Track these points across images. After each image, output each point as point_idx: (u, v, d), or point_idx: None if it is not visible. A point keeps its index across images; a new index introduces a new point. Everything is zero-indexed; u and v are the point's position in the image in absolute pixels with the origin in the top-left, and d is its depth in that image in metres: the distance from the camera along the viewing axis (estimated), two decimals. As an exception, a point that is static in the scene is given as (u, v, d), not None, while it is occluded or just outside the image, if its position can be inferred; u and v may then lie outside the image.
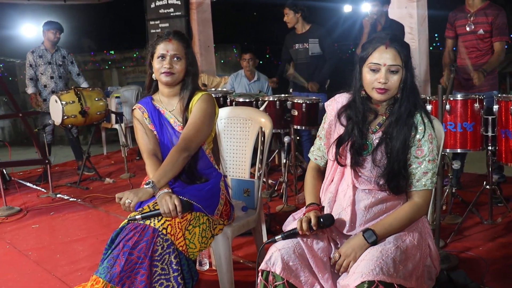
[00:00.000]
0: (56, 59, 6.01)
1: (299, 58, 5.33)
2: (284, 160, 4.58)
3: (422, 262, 1.95)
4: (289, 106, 4.55)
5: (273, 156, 5.82)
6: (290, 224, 2.13)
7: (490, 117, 3.56)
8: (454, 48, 4.51)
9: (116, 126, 6.83)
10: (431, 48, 5.36)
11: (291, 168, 4.76)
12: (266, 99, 4.73)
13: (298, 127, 4.54)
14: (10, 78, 13.79)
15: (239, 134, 3.07)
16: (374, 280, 1.73)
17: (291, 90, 5.50)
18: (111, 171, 6.44)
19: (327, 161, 2.21)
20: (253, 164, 3.02)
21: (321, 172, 2.27)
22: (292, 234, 1.96)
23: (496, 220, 3.70)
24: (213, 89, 6.32)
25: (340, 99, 2.17)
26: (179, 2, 7.21)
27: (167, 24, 7.33)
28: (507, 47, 4.29)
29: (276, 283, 1.85)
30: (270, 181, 5.10)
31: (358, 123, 2.05)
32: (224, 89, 5.85)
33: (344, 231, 2.02)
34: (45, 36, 5.99)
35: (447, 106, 3.60)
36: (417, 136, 1.99)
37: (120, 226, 2.23)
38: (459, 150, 3.73)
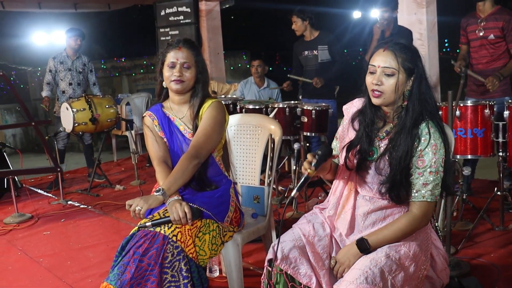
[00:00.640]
0: (76, 66, 6.04)
1: (309, 65, 5.34)
2: (294, 166, 4.58)
3: (419, 274, 1.95)
4: (298, 113, 4.57)
5: (282, 162, 5.80)
6: (302, 221, 2.18)
7: (500, 123, 3.55)
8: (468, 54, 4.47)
9: (127, 133, 6.88)
10: (440, 54, 5.33)
11: (301, 174, 4.74)
12: (275, 106, 4.74)
13: (308, 134, 4.56)
14: (22, 86, 13.91)
15: (249, 141, 3.07)
16: None
17: (300, 97, 5.51)
18: (121, 178, 6.47)
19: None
20: (263, 171, 3.02)
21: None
22: (304, 180, 2.02)
23: (508, 227, 3.66)
24: (223, 96, 6.33)
25: (357, 104, 2.18)
26: (188, 10, 7.24)
27: (177, 32, 7.35)
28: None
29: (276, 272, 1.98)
30: (280, 187, 5.10)
31: (366, 128, 2.05)
32: (234, 96, 5.87)
33: (344, 235, 2.07)
34: (67, 43, 6.04)
35: (457, 112, 3.59)
36: (420, 147, 1.95)
37: (130, 233, 2.24)
38: (469, 156, 3.71)
